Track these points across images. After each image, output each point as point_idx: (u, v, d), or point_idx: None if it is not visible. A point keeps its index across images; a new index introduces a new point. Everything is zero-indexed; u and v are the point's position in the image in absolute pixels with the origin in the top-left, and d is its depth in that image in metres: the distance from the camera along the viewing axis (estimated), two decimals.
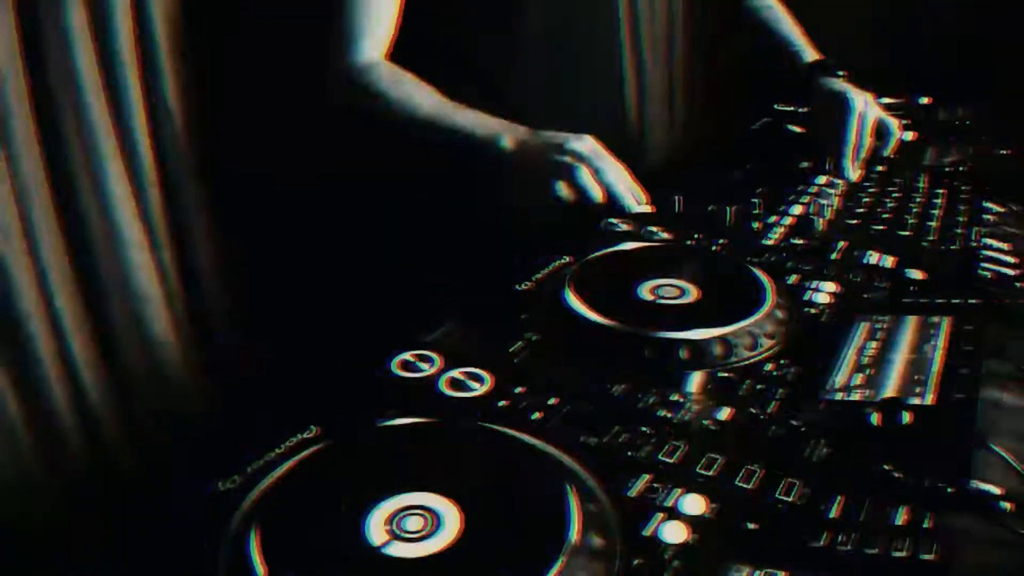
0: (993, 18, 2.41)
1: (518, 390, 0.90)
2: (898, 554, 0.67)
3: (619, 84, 1.76)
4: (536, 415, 0.86)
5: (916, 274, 1.19)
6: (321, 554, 0.66)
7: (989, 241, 1.33)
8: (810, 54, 1.74)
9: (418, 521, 0.68)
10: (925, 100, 2.23)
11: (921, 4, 2.51)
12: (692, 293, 1.08)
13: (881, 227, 1.38)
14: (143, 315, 1.45)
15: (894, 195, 1.52)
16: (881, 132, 1.60)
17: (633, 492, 0.75)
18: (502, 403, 0.88)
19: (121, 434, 1.46)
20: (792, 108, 2.10)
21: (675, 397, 0.90)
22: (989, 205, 1.49)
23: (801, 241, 1.31)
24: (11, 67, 1.23)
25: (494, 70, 1.45)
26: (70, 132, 1.33)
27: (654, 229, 1.34)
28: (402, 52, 1.39)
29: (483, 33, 1.43)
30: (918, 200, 1.49)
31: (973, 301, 1.09)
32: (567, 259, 1.21)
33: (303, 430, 0.82)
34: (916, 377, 0.92)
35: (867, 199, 1.49)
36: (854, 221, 1.41)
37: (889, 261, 1.24)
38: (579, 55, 1.53)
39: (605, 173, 1.22)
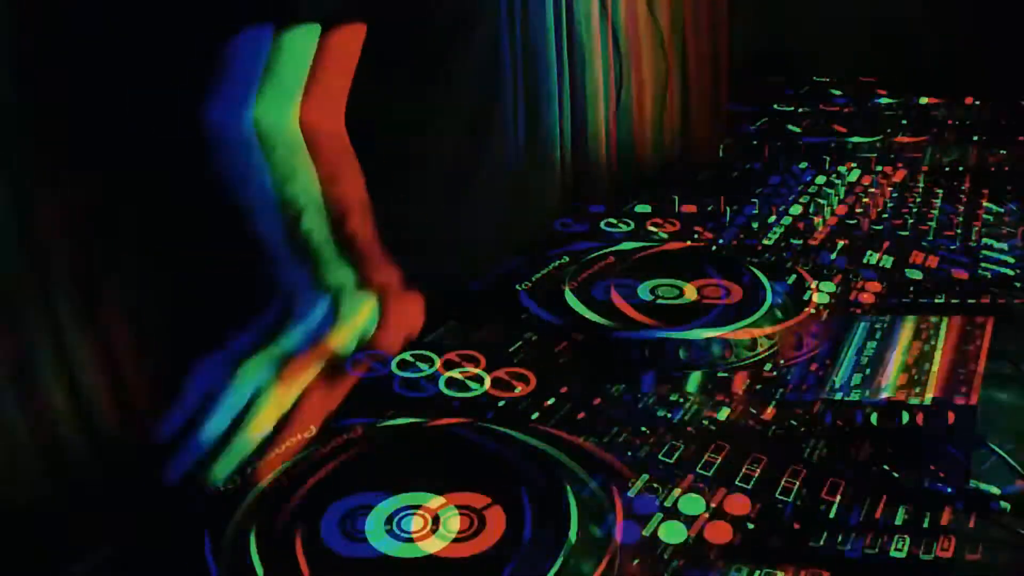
0: (992, 18, 2.41)
1: (518, 390, 0.90)
2: (898, 554, 0.67)
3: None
4: (536, 415, 0.86)
5: (916, 274, 1.19)
6: (321, 553, 0.66)
7: (989, 241, 1.33)
8: None
9: (418, 521, 0.68)
10: (925, 100, 2.23)
11: (921, 4, 2.51)
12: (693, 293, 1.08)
13: (881, 227, 1.38)
14: (142, 315, 1.45)
15: (894, 195, 1.52)
16: None
17: (633, 492, 0.75)
18: (502, 403, 0.88)
19: (121, 434, 1.46)
20: (792, 108, 2.11)
21: (675, 397, 0.90)
22: (989, 205, 1.49)
23: (801, 241, 1.31)
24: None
25: None
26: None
27: (654, 229, 1.34)
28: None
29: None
30: (918, 200, 1.49)
31: (973, 301, 1.09)
32: (567, 259, 1.21)
33: (302, 430, 0.82)
34: (916, 377, 0.92)
35: (867, 199, 1.49)
36: (854, 221, 1.41)
37: (889, 261, 1.24)
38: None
39: None
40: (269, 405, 0.79)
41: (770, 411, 0.88)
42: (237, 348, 0.83)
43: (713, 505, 0.74)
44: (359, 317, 0.84)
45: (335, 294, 0.85)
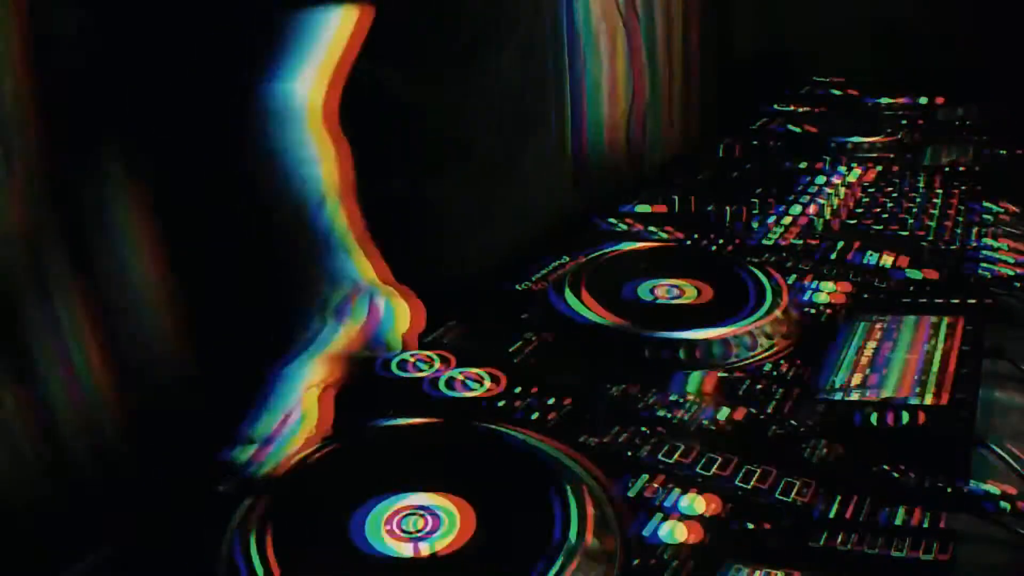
0: (992, 18, 2.42)
1: (518, 390, 0.90)
2: (898, 554, 0.67)
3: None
4: (536, 415, 0.86)
5: (916, 274, 1.19)
6: (321, 554, 0.66)
7: (988, 241, 1.33)
8: None
9: (418, 521, 0.68)
10: (925, 100, 2.23)
11: (921, 4, 2.51)
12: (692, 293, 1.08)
13: (881, 227, 1.38)
14: (142, 315, 1.45)
15: (894, 195, 1.52)
16: None
17: (633, 492, 0.75)
18: (502, 403, 0.88)
19: (121, 434, 1.46)
20: (792, 108, 2.11)
21: (675, 397, 0.90)
22: (989, 205, 1.49)
23: (801, 241, 1.32)
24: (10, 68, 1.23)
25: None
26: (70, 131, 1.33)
27: (654, 229, 1.34)
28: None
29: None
30: (918, 200, 1.49)
31: (973, 301, 1.09)
32: (567, 259, 1.21)
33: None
34: (916, 377, 0.92)
35: (867, 199, 1.49)
36: (854, 221, 1.41)
37: (889, 261, 1.24)
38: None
39: None
40: (312, 407, 0.79)
41: (770, 411, 0.88)
42: (280, 349, 0.83)
43: (713, 505, 0.74)
44: (389, 312, 0.84)
45: (366, 288, 0.85)
